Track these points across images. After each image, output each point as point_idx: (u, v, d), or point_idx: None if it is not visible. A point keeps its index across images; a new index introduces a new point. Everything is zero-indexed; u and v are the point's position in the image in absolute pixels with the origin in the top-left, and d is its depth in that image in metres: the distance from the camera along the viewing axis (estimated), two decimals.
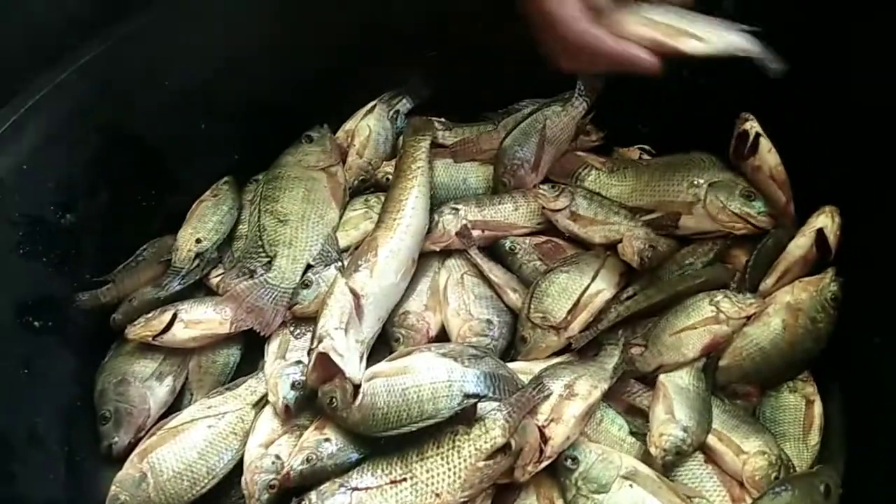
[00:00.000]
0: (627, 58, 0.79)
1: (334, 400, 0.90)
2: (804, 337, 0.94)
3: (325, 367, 0.92)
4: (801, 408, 0.94)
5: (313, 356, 0.92)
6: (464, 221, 1.09)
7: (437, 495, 0.86)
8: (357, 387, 0.91)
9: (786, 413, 0.94)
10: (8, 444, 0.89)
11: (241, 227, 1.15)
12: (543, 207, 1.08)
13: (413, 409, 0.89)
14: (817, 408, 0.94)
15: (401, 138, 1.21)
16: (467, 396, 0.90)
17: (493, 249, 1.12)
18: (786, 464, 0.87)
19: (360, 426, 0.91)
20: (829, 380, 0.96)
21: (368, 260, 1.02)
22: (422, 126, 1.18)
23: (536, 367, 0.98)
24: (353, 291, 0.99)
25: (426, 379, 0.91)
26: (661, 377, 0.95)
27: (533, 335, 1.00)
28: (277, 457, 0.93)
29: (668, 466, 0.87)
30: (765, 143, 1.01)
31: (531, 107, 1.18)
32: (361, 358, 0.96)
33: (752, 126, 1.02)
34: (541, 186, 1.09)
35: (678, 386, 0.93)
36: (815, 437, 0.92)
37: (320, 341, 0.93)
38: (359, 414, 0.90)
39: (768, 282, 0.98)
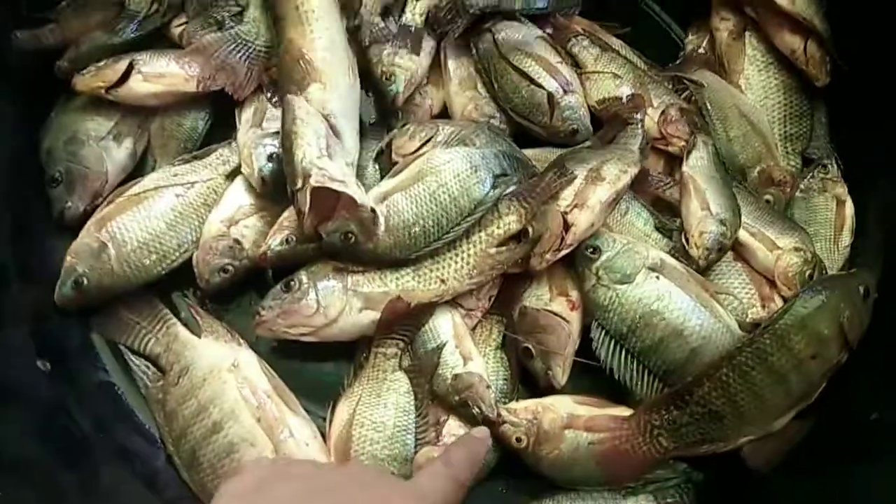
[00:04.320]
0: None
1: (351, 235, 0.75)
2: None
3: (323, 203, 0.76)
4: (832, 208, 0.89)
5: (306, 195, 0.75)
6: None
7: (443, 281, 0.79)
8: (373, 210, 0.77)
9: (817, 213, 0.89)
10: None
11: None
12: None
13: (451, 211, 0.77)
14: (848, 208, 0.89)
15: None
16: (497, 177, 0.80)
17: None
18: (819, 263, 0.82)
19: (395, 250, 0.77)
20: (867, 185, 0.89)
21: (308, 73, 0.81)
22: None
23: (551, 154, 0.88)
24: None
25: (448, 174, 0.79)
26: (686, 169, 0.86)
27: None
28: (237, 241, 0.83)
29: (711, 265, 0.81)
30: None
31: None
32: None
33: None
34: None
35: (707, 176, 0.85)
36: (846, 238, 0.87)
37: (307, 177, 0.75)
38: (390, 238, 0.77)
39: None
